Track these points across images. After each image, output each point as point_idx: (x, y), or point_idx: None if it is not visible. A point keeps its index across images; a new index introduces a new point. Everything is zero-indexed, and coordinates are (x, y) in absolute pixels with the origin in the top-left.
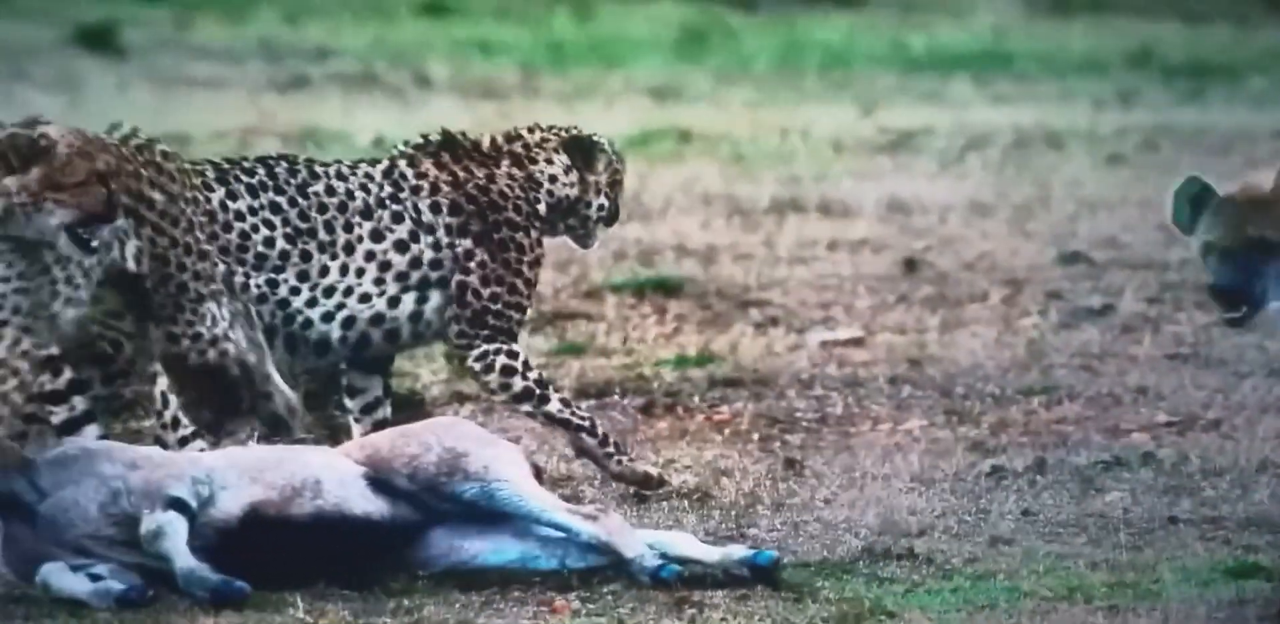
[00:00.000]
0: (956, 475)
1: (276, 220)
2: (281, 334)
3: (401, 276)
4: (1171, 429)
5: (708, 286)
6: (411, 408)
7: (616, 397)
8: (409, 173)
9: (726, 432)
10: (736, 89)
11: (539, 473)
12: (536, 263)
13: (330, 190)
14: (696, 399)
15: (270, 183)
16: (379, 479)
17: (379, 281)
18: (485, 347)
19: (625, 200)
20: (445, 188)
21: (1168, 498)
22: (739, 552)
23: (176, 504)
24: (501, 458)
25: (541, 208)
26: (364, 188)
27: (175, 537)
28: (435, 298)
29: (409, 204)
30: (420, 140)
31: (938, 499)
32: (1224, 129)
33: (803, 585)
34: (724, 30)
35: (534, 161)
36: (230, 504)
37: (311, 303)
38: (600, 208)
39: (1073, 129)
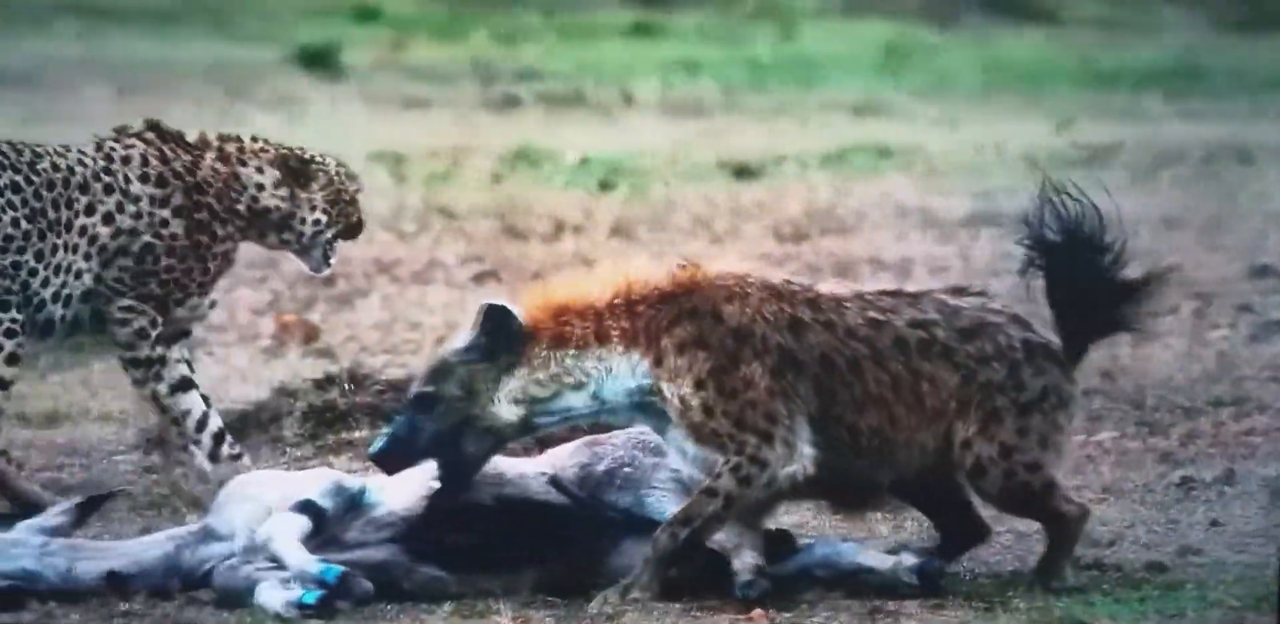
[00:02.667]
0: (1146, 486)
1: (17, 200)
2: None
3: (103, 249)
4: None
5: None
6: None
7: None
8: (118, 146)
9: None
10: (933, 105)
11: None
12: (222, 257)
13: (55, 167)
14: None
15: (6, 162)
16: (560, 482)
17: (87, 257)
18: (134, 303)
19: (816, 214)
20: (154, 161)
21: None
22: (909, 559)
23: (302, 506)
24: (663, 468)
25: (241, 208)
26: (80, 163)
27: (283, 537)
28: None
29: (120, 175)
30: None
31: (1128, 510)
32: None
33: (994, 595)
34: (922, 48)
35: (244, 164)
36: (413, 496)
37: (45, 283)
38: (317, 223)
39: (1263, 144)
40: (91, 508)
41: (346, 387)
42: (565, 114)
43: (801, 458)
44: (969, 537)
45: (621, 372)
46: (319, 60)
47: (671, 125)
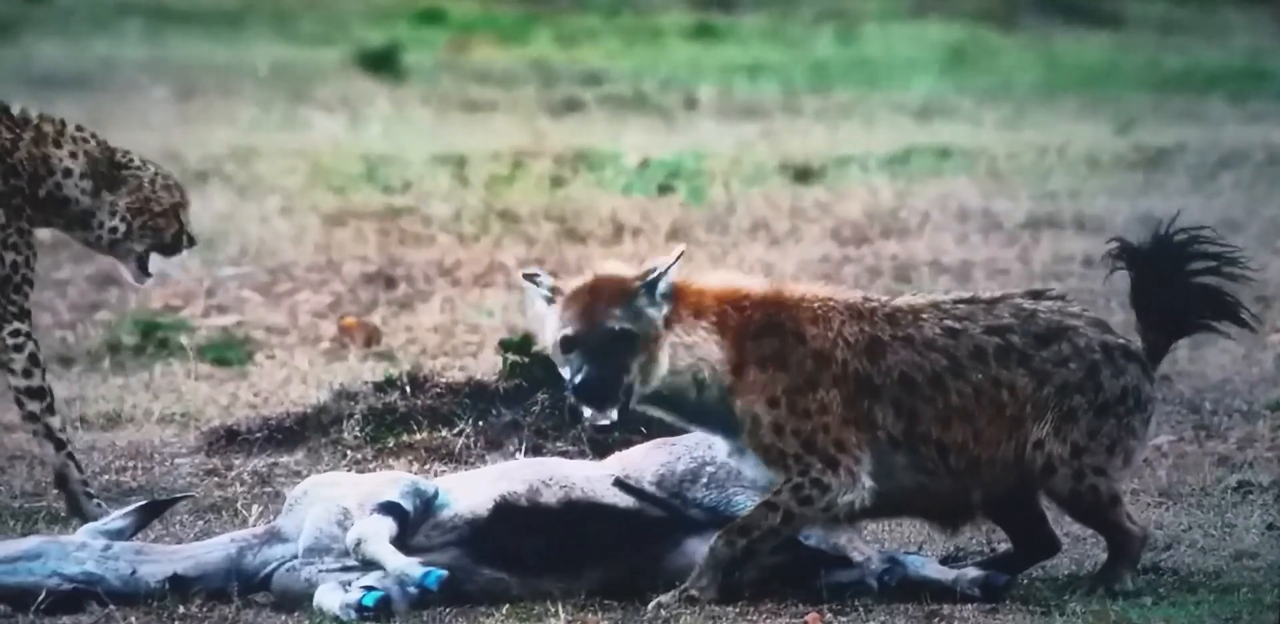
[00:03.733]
0: (1203, 490)
1: None
2: None
3: None
4: None
5: None
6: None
7: None
8: None
9: None
10: (995, 107)
11: None
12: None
13: None
14: None
15: None
16: (626, 484)
17: None
18: (19, 325)
19: (877, 216)
20: None
21: None
22: (972, 572)
23: (386, 508)
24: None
25: (42, 193)
26: None
27: (377, 539)
28: None
29: None
30: None
31: (1184, 513)
32: None
33: (1050, 599)
34: (985, 50)
35: (59, 146)
36: (479, 499)
37: None
38: (114, 231)
39: None
40: (155, 512)
41: (406, 389)
42: (627, 117)
43: (861, 489)
44: (1039, 550)
45: (717, 365)
46: (381, 62)
47: (733, 128)
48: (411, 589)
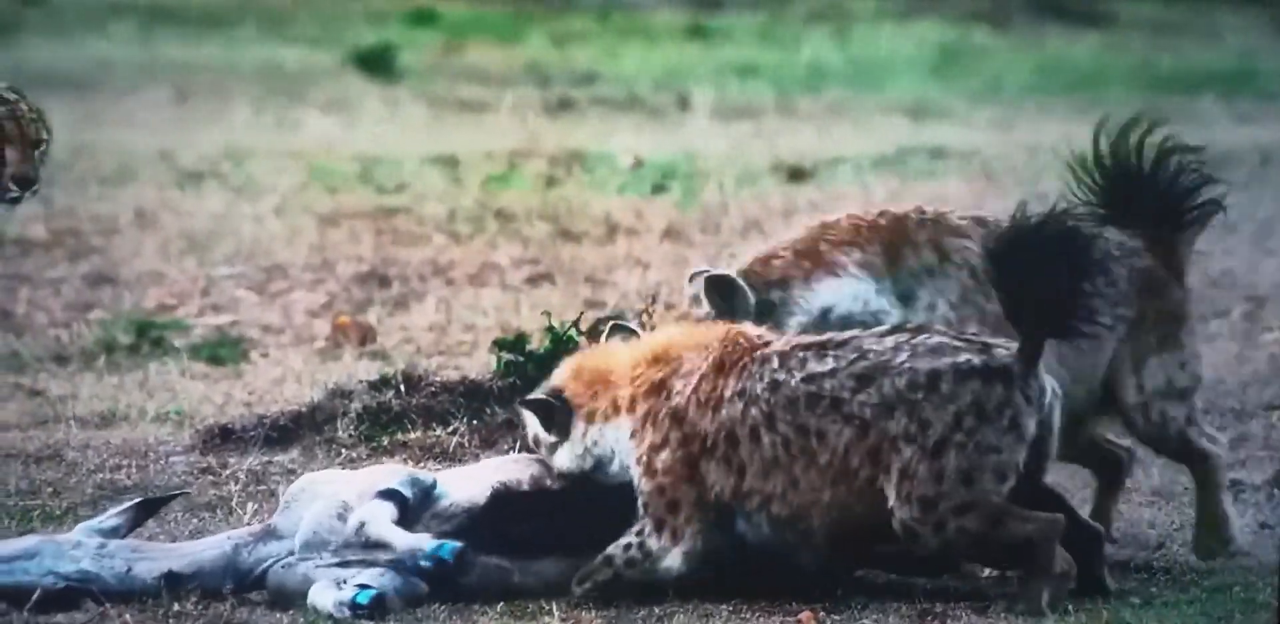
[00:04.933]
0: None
1: None
2: None
3: None
4: None
5: None
6: None
7: None
8: None
9: None
10: (988, 108)
11: None
12: None
13: None
14: None
15: None
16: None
17: None
18: None
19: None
20: None
21: None
22: None
23: (386, 494)
24: None
25: None
26: None
27: (379, 520)
28: None
29: None
30: None
31: (1177, 512)
32: None
33: None
34: (977, 51)
35: None
36: (477, 488)
37: None
38: None
39: None
40: (150, 510)
41: (401, 388)
42: (620, 117)
43: (678, 556)
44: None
45: (625, 444)
46: (375, 63)
47: (726, 128)
48: (425, 563)
